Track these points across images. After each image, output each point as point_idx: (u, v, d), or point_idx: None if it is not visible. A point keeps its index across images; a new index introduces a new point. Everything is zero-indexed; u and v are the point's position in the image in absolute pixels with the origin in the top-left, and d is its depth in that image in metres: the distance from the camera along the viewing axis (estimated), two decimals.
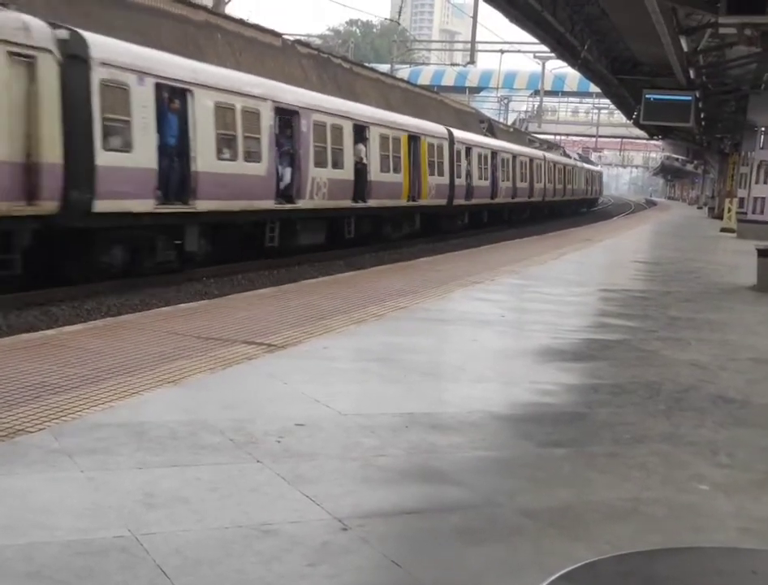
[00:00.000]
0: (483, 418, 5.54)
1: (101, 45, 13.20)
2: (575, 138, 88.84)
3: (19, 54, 11.59)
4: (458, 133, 30.61)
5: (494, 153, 34.77)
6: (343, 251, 20.94)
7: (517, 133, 54.09)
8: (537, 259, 16.94)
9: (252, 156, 16.92)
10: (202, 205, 15.36)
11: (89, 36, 13.04)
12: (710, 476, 4.68)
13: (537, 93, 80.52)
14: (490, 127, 44.21)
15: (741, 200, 32.33)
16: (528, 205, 41.37)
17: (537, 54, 64.95)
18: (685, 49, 20.17)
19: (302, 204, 18.91)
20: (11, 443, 4.49)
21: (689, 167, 77.56)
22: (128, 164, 13.59)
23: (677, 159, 77.50)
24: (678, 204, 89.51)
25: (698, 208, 66.54)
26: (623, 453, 4.99)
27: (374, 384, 6.37)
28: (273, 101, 17.82)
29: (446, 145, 28.55)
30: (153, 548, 3.39)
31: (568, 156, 59.59)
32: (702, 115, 34.07)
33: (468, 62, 64.56)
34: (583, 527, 3.90)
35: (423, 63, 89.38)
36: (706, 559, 2.00)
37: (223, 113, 16.00)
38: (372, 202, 22.41)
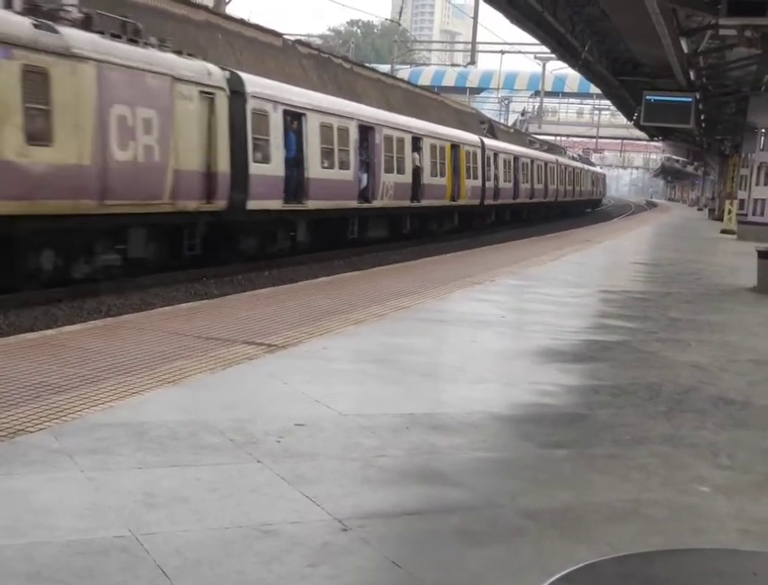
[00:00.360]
0: (483, 419, 5.54)
1: (251, 82, 17.58)
2: (575, 139, 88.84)
3: (205, 92, 15.87)
4: (488, 141, 34.99)
5: (516, 158, 38.32)
6: (344, 251, 21.08)
7: (517, 134, 54.41)
8: (536, 260, 16.94)
9: (343, 165, 21.16)
10: (311, 204, 19.63)
11: (244, 75, 17.53)
12: (711, 478, 4.68)
13: (537, 93, 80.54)
14: (491, 128, 44.33)
15: (741, 201, 32.32)
16: (543, 205, 44.78)
17: (537, 55, 64.93)
18: (685, 50, 20.18)
19: (376, 203, 23.18)
20: (11, 443, 4.49)
21: (689, 169, 77.55)
22: (267, 173, 17.88)
23: (677, 161, 77.53)
24: (678, 205, 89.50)
25: (698, 210, 66.55)
26: (624, 455, 4.99)
27: (374, 385, 6.37)
28: (358, 120, 22.10)
29: (479, 152, 32.63)
30: (153, 548, 3.39)
31: (576, 159, 62.71)
32: (702, 117, 34.07)
33: (469, 63, 64.55)
34: (584, 529, 3.90)
35: (423, 64, 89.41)
36: (707, 561, 2.00)
37: (325, 131, 20.24)
38: (424, 202, 26.54)
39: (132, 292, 13.69)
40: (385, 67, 57.19)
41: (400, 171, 24.70)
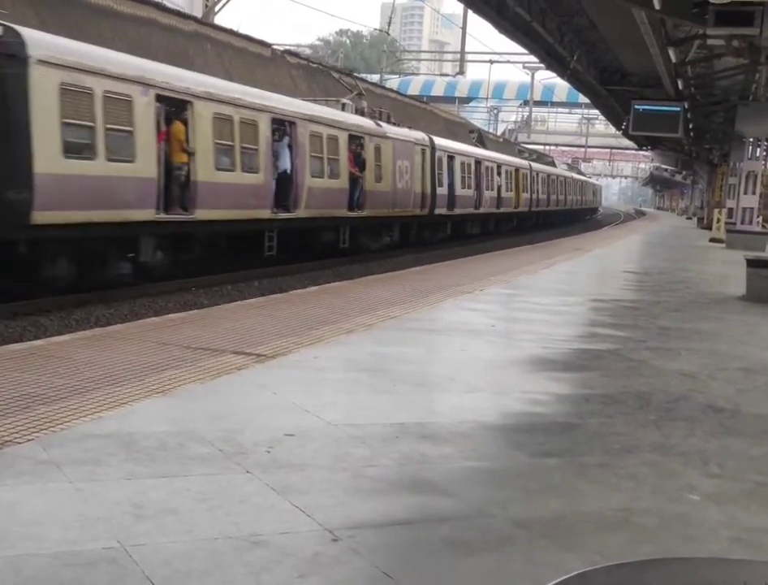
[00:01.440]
0: (474, 428, 5.53)
1: (437, 140, 29.93)
2: (564, 148, 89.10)
3: (422, 148, 27.81)
4: (534, 165, 47.53)
5: (548, 176, 50.47)
6: (333, 261, 21.13)
7: (507, 144, 55.07)
8: (526, 269, 16.95)
9: (468, 186, 33.26)
10: (457, 211, 31.39)
11: (434, 138, 29.76)
12: (701, 486, 4.68)
13: (526, 103, 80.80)
14: (480, 138, 44.70)
15: (730, 210, 32.46)
16: (563, 211, 57.15)
17: (526, 65, 65.16)
18: (673, 60, 20.27)
19: (481, 210, 35.16)
20: None
21: (678, 178, 77.87)
22: (442, 193, 29.57)
23: (666, 170, 77.83)
24: (667, 214, 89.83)
25: (687, 218, 66.78)
26: (614, 463, 4.98)
27: (364, 394, 6.36)
28: (475, 158, 34.65)
29: (528, 172, 44.46)
30: (142, 560, 3.37)
31: (581, 173, 72.94)
32: (691, 126, 34.24)
33: (458, 73, 64.76)
34: (574, 538, 3.89)
35: (413, 73, 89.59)
36: (697, 570, 1.99)
37: (462, 165, 32.35)
38: (502, 209, 38.65)
39: (121, 302, 13.64)
40: (374, 77, 57.29)
41: (492, 189, 36.86)
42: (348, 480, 4.41)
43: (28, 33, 12.61)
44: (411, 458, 4.82)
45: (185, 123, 15.53)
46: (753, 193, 28.86)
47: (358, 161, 22.94)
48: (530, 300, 12.32)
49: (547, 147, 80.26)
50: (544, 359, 7.97)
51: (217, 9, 31.55)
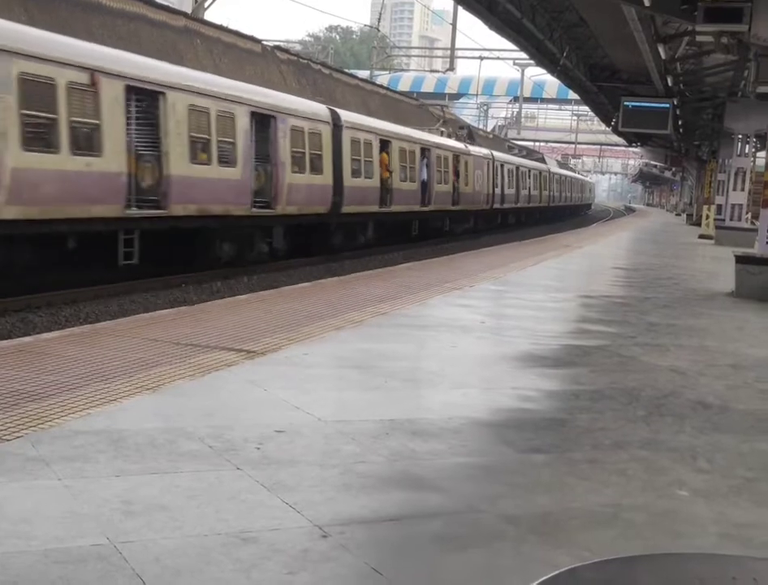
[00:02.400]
0: (464, 424, 5.54)
1: (495, 154, 41.72)
2: (554, 145, 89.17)
3: (487, 161, 39.24)
4: (552, 168, 59.29)
5: (559, 176, 62.12)
6: (324, 256, 21.19)
7: (497, 140, 55.43)
8: (516, 265, 16.97)
9: (511, 186, 43.46)
10: (505, 205, 41.83)
11: (494, 152, 41.85)
12: (690, 482, 4.70)
13: (516, 99, 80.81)
14: (470, 134, 44.68)
15: (719, 207, 32.53)
16: (573, 206, 71.63)
17: (516, 61, 65.17)
18: (663, 56, 20.29)
19: (518, 205, 45.69)
20: None
21: (667, 174, 77.98)
22: (496, 192, 40.60)
23: (655, 166, 77.94)
24: (656, 211, 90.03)
25: (676, 215, 66.98)
26: (604, 459, 4.99)
27: (354, 391, 6.36)
28: (516, 165, 44.94)
29: (548, 174, 55.88)
30: (131, 557, 3.36)
31: (576, 172, 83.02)
32: (680, 122, 34.30)
33: (448, 69, 64.67)
34: (563, 533, 3.90)
35: (403, 70, 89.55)
36: (686, 565, 1.99)
37: (508, 171, 42.71)
38: (532, 204, 49.59)
39: (110, 298, 13.62)
40: (364, 73, 57.18)
41: (525, 188, 47.50)
42: (338, 477, 4.41)
43: (339, 111, 23.58)
44: (400, 454, 4.82)
45: (388, 153, 26.74)
46: (742, 190, 28.92)
47: (456, 172, 34.00)
48: (520, 296, 12.34)
49: (537, 143, 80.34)
50: (533, 355, 7.98)
51: (206, 5, 31.44)
